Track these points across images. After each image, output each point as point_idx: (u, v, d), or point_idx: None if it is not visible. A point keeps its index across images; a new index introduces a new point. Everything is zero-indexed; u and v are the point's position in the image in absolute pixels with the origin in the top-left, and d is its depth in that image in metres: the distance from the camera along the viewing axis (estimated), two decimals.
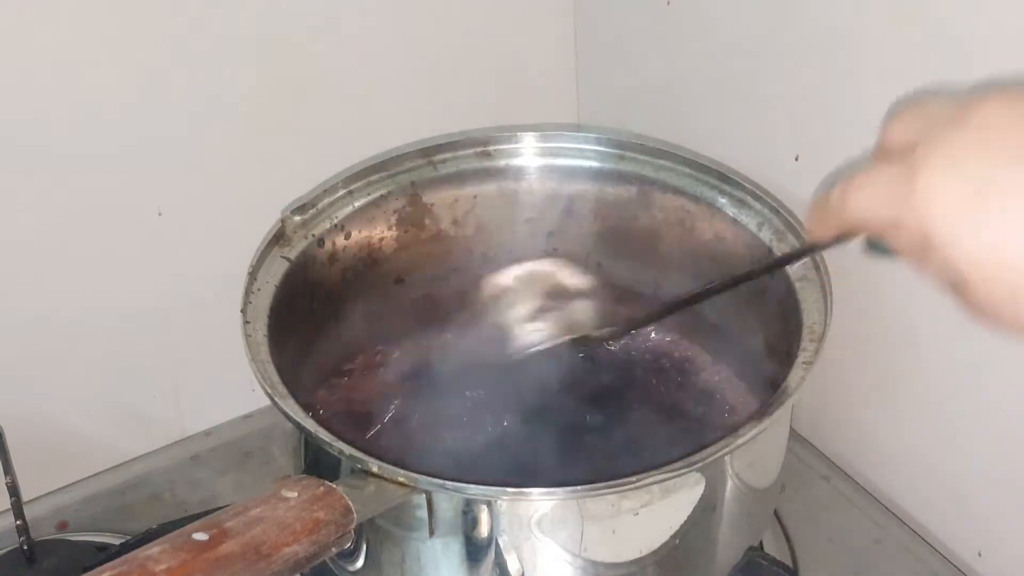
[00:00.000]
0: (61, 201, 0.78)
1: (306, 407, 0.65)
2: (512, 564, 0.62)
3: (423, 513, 0.60)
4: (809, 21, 0.76)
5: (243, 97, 0.83)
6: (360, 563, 0.66)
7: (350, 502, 0.55)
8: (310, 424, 0.62)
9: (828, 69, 0.76)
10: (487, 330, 0.85)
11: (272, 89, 0.84)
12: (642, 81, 0.94)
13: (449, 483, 0.59)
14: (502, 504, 0.60)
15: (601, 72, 0.97)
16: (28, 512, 0.77)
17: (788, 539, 0.80)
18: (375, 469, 0.59)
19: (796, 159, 0.79)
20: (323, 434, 0.61)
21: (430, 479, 0.59)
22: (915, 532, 0.81)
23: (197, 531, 0.50)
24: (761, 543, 0.75)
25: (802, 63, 0.78)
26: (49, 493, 0.86)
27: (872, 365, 0.82)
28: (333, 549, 0.54)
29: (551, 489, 0.62)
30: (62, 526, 0.84)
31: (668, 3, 0.85)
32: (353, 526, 0.55)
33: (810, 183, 0.76)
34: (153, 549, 0.49)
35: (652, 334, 0.86)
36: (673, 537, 0.64)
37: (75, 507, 0.85)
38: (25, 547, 0.77)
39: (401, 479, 0.58)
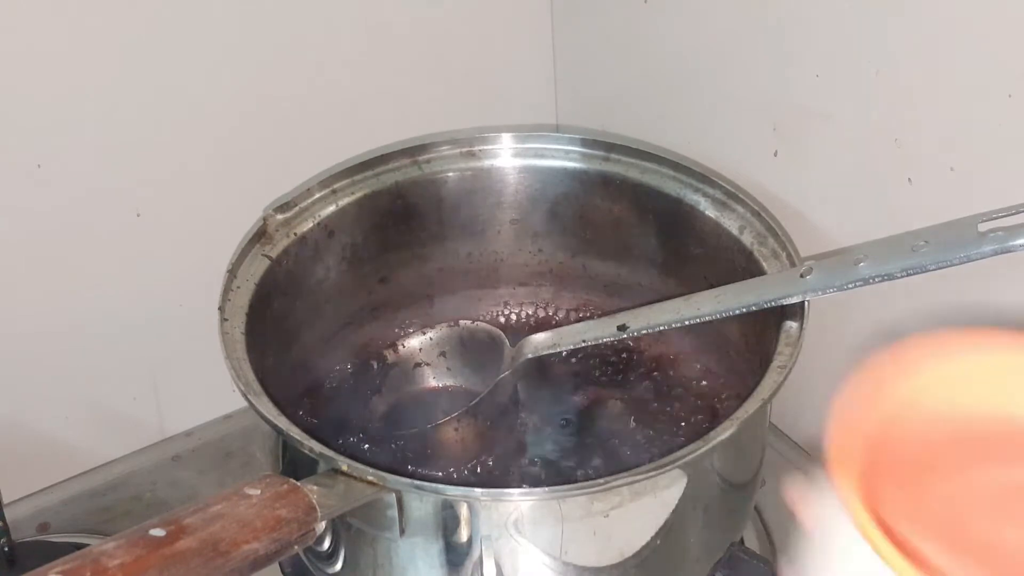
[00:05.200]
0: (37, 203, 0.78)
1: (286, 406, 0.65)
2: (487, 564, 0.62)
3: (394, 512, 0.60)
4: (786, 17, 0.76)
5: (224, 97, 0.82)
6: (339, 565, 0.66)
7: (314, 500, 0.54)
8: (282, 422, 0.62)
9: (806, 65, 0.76)
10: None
11: (254, 89, 0.83)
12: (620, 80, 0.93)
13: (418, 482, 0.59)
14: (473, 504, 0.60)
15: (579, 72, 0.97)
16: (9, 514, 0.77)
17: (768, 533, 0.79)
18: (344, 467, 0.58)
19: (775, 155, 0.79)
20: (295, 432, 0.61)
21: (399, 478, 0.58)
22: None
23: (155, 527, 0.50)
24: (742, 538, 0.75)
25: (780, 59, 0.77)
26: (30, 495, 0.85)
27: (850, 359, 0.82)
28: (296, 547, 0.54)
29: (526, 490, 0.62)
30: (43, 528, 0.83)
31: (646, 2, 0.85)
32: (317, 524, 0.54)
33: (788, 179, 0.75)
34: (108, 545, 0.48)
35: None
36: (654, 537, 0.64)
37: (56, 509, 0.85)
38: (6, 548, 0.77)
39: (370, 478, 0.58)
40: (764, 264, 0.73)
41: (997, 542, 0.37)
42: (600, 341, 0.75)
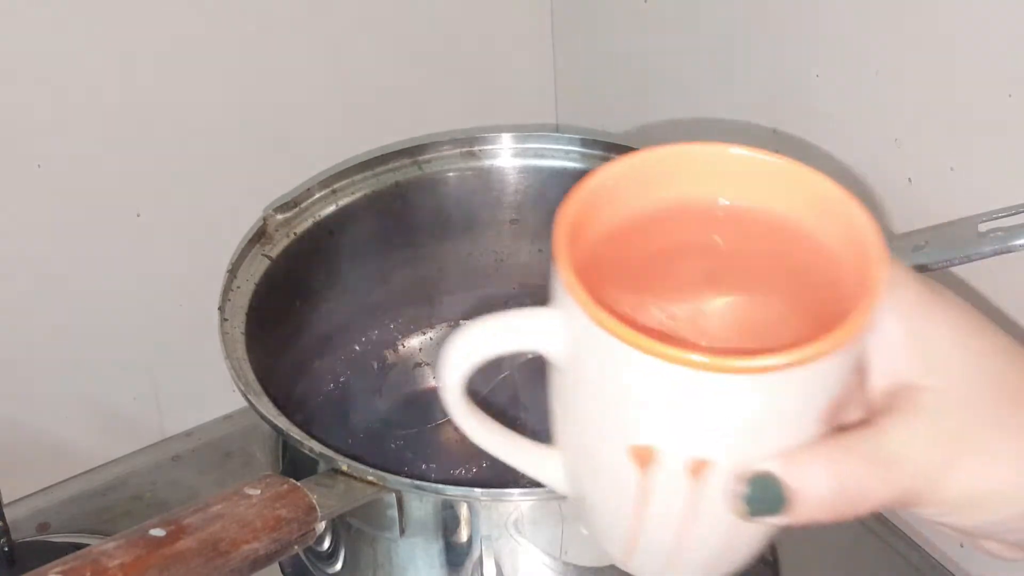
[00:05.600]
0: (38, 203, 0.78)
1: (286, 406, 0.65)
2: (487, 564, 0.62)
3: (394, 512, 0.60)
4: (786, 17, 0.76)
5: (224, 97, 0.82)
6: (339, 565, 0.66)
7: (314, 500, 0.54)
8: (283, 422, 0.62)
9: (806, 65, 0.75)
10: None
11: (254, 89, 0.83)
12: (620, 80, 0.93)
13: (418, 482, 0.58)
14: (473, 504, 0.60)
15: (579, 72, 0.97)
16: (9, 514, 0.76)
17: (775, 550, 0.79)
18: (344, 467, 0.58)
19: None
20: (295, 432, 0.61)
21: (399, 478, 0.58)
22: (896, 526, 0.80)
23: (155, 527, 0.50)
24: None
25: (781, 59, 0.77)
26: (30, 495, 0.85)
27: None
28: (296, 547, 0.54)
29: (526, 490, 0.62)
30: (43, 528, 0.83)
31: (646, 2, 0.85)
32: (317, 524, 0.54)
33: None
34: (108, 545, 0.48)
35: None
36: None
37: (56, 509, 0.85)
38: (6, 548, 0.77)
39: (370, 478, 0.58)
40: None
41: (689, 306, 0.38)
42: None
